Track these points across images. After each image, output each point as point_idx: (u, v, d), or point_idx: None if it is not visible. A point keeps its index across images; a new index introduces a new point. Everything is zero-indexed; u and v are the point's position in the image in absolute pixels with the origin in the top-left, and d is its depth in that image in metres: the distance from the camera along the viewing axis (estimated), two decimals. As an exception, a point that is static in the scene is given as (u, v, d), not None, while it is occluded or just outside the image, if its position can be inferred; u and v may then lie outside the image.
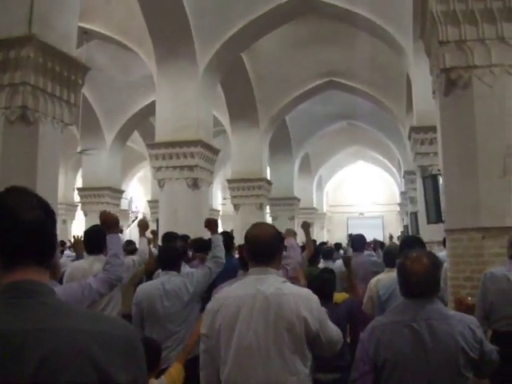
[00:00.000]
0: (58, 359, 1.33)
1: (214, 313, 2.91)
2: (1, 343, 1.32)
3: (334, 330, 2.95)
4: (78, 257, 6.86)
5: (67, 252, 13.92)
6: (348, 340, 5.39)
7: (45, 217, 1.55)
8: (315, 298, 2.91)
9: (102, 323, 1.48)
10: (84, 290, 3.88)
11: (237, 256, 6.99)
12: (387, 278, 5.40)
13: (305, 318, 2.76)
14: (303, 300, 2.82)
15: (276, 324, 2.75)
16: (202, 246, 7.27)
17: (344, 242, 21.72)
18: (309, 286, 5.16)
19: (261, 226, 3.16)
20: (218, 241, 5.58)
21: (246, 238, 3.08)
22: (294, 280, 5.86)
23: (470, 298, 3.38)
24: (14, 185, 1.62)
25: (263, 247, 2.97)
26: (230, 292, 3.02)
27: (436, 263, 3.02)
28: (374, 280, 5.80)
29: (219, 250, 5.50)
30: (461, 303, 3.46)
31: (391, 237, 17.23)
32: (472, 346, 2.83)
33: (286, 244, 5.19)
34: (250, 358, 2.76)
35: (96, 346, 1.38)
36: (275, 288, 2.83)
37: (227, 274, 5.13)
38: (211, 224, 5.74)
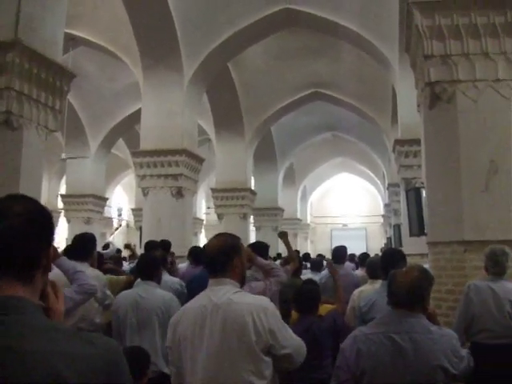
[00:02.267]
0: (27, 381, 1.24)
1: (175, 325, 2.95)
2: None
3: (291, 341, 2.87)
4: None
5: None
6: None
7: (26, 226, 1.44)
8: (270, 306, 2.86)
9: (79, 344, 1.36)
10: None
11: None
12: (370, 289, 5.42)
13: (256, 326, 2.73)
14: (254, 308, 2.78)
15: (225, 334, 2.74)
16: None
17: (327, 253, 21.71)
18: (294, 299, 5.17)
19: (214, 237, 3.17)
20: None
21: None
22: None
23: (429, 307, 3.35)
24: (14, 193, 1.55)
25: (212, 259, 3.01)
26: (190, 304, 3.04)
27: (426, 279, 3.05)
28: (357, 291, 5.81)
29: None
30: None
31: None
32: (453, 362, 2.85)
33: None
34: (204, 368, 2.76)
35: (68, 370, 1.28)
36: (226, 298, 2.82)
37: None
38: None
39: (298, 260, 7.13)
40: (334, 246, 9.34)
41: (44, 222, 1.52)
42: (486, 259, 5.07)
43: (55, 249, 4.52)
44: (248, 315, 2.74)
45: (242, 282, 3.09)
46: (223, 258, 2.96)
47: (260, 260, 4.94)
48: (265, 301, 2.93)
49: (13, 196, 1.53)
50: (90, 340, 1.40)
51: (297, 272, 7.49)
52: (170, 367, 3.03)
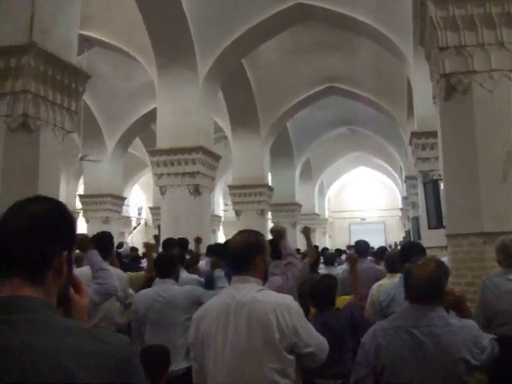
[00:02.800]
0: (34, 379, 1.24)
1: (198, 322, 2.96)
2: None
3: (314, 339, 2.89)
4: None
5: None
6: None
7: (35, 227, 1.43)
8: (294, 304, 2.88)
9: (90, 341, 1.36)
10: None
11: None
12: (389, 283, 5.40)
13: (280, 324, 2.74)
14: (278, 307, 2.79)
15: (249, 331, 2.75)
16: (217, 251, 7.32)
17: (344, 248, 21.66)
18: (310, 294, 5.17)
19: (238, 234, 3.16)
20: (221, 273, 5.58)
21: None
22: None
23: (457, 290, 3.30)
24: (38, 195, 1.55)
25: (237, 256, 2.99)
26: (213, 301, 3.06)
27: (442, 271, 3.01)
28: (376, 285, 5.79)
29: (222, 281, 5.47)
30: (448, 294, 3.39)
31: (396, 244, 17.12)
32: (474, 353, 2.82)
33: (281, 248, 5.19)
34: (227, 365, 2.77)
35: (78, 367, 1.28)
36: (250, 296, 2.83)
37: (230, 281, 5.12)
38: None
39: (315, 254, 7.12)
40: (353, 241, 9.35)
41: (60, 223, 1.51)
42: (497, 252, 4.99)
43: (86, 239, 4.55)
44: (272, 313, 2.75)
45: (265, 278, 3.10)
46: (246, 256, 2.96)
47: (286, 244, 5.00)
48: (288, 299, 2.93)
49: (35, 197, 1.54)
50: (100, 337, 1.39)
51: (314, 266, 7.49)
52: (192, 363, 3.03)
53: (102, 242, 5.37)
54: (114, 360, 1.36)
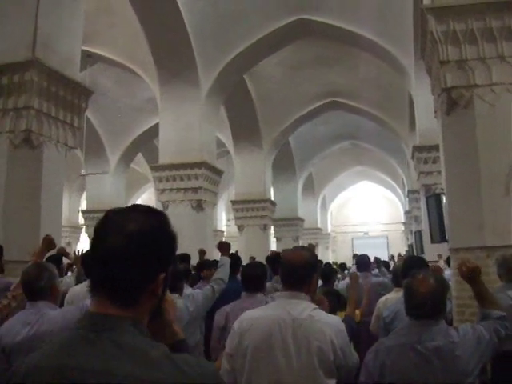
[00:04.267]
0: None
1: (243, 333, 2.91)
2: (56, 377, 1.24)
3: (355, 356, 2.98)
4: (78, 278, 6.52)
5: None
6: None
7: (127, 246, 1.33)
8: (342, 326, 2.92)
9: (168, 371, 1.26)
10: (82, 311, 3.87)
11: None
12: (395, 297, 5.38)
13: (334, 345, 2.77)
14: (333, 328, 2.83)
15: (307, 350, 2.76)
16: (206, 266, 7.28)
17: (349, 262, 21.61)
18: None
19: (296, 250, 3.18)
20: (224, 261, 5.58)
21: (281, 260, 3.14)
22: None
23: (471, 261, 3.28)
24: (136, 204, 1.47)
25: (294, 272, 2.97)
26: (261, 313, 3.02)
27: (443, 285, 3.00)
28: (382, 299, 5.77)
29: (222, 270, 5.47)
30: (462, 268, 3.34)
31: (392, 257, 17.06)
32: (479, 356, 2.83)
33: None
34: (281, 381, 2.76)
35: None
36: (307, 314, 2.84)
37: (230, 295, 5.10)
38: (223, 246, 5.81)
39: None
40: (355, 255, 9.31)
41: (160, 244, 1.41)
42: (497, 267, 5.01)
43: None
44: (327, 334, 2.79)
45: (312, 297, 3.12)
46: (305, 273, 2.97)
47: None
48: (338, 320, 2.99)
49: (134, 208, 1.45)
50: (181, 366, 1.30)
51: (327, 281, 7.46)
52: (226, 375, 2.94)
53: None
54: None
